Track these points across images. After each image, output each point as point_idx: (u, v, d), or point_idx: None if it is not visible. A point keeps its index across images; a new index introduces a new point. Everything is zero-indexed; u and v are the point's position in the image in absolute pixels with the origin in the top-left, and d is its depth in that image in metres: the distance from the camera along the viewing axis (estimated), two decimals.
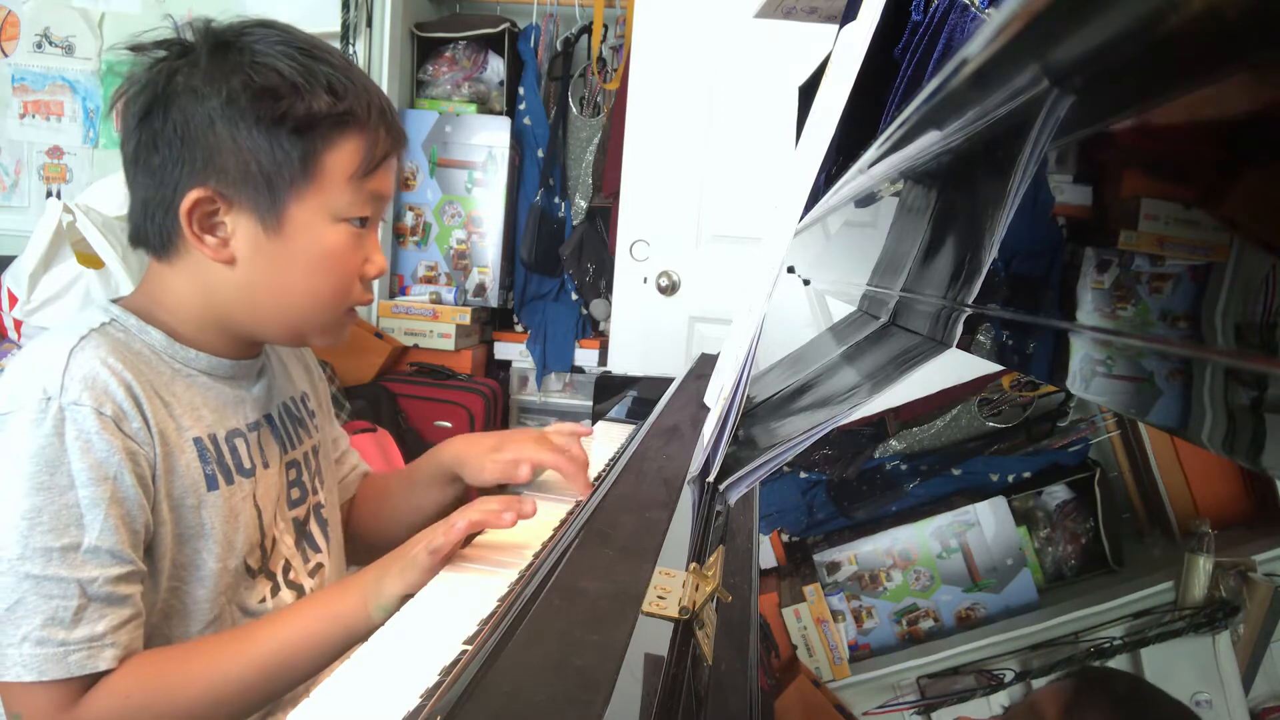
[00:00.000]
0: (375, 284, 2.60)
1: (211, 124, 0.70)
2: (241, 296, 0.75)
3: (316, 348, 0.84)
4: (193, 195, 0.71)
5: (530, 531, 0.80)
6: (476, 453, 0.93)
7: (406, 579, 0.70)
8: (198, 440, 0.74)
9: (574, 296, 2.77)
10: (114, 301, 0.77)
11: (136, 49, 0.73)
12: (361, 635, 0.68)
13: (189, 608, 0.74)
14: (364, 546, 1.00)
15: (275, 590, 0.81)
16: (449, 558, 0.72)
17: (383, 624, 0.66)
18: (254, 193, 0.72)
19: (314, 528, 0.88)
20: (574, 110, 2.74)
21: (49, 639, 0.62)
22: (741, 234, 2.30)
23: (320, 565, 0.88)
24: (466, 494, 0.98)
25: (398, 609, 0.67)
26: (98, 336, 0.71)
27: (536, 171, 2.73)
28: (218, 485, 0.75)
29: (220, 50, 0.71)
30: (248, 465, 0.79)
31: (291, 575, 0.83)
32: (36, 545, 0.63)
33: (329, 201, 0.73)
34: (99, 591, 0.64)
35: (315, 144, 0.72)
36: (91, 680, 0.64)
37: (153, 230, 0.75)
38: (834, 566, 1.41)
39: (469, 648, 0.51)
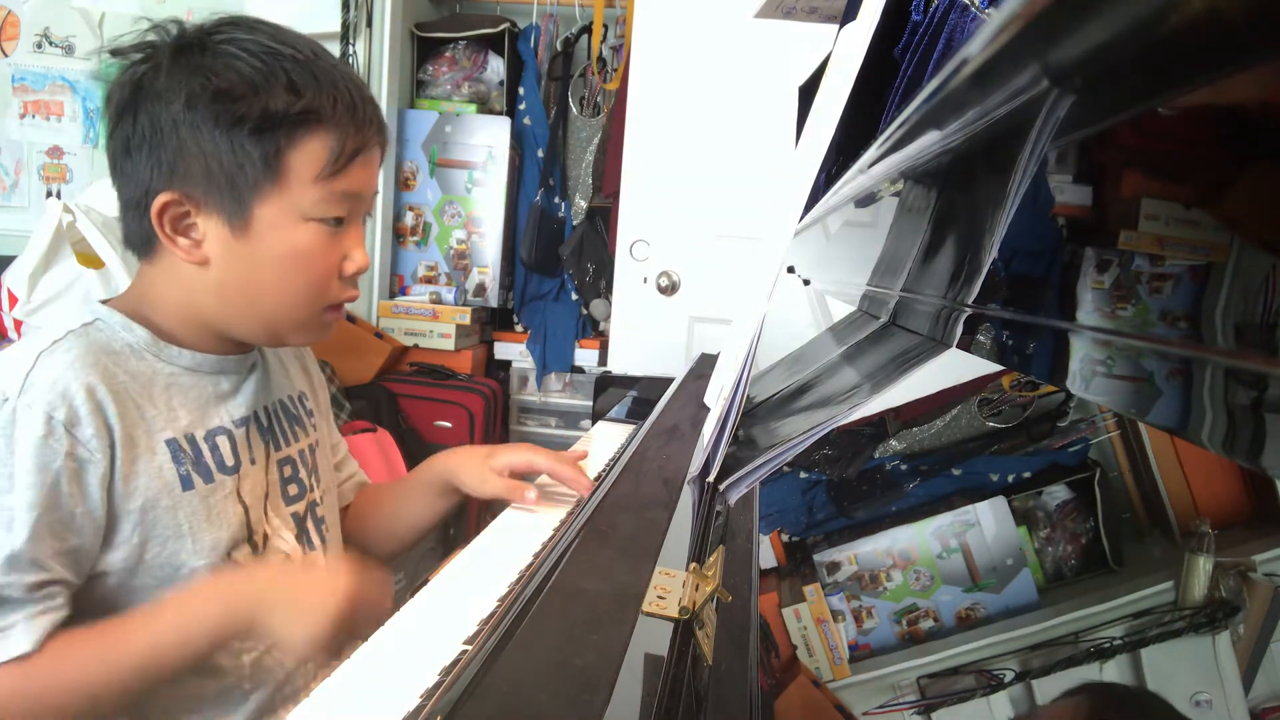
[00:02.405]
0: (373, 282, 2.60)
1: (175, 127, 0.70)
2: (216, 297, 0.76)
3: (299, 345, 0.83)
4: (161, 198, 0.71)
5: (530, 531, 0.80)
6: (475, 462, 0.93)
7: (298, 634, 0.67)
8: (171, 442, 0.74)
9: (574, 296, 2.77)
10: (104, 301, 0.78)
11: (116, 53, 0.73)
12: (236, 636, 0.70)
13: None
14: (355, 554, 1.00)
15: None
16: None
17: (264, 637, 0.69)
18: (219, 195, 0.72)
19: (310, 525, 0.88)
20: (574, 110, 2.74)
21: None
22: (741, 234, 2.30)
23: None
24: (462, 504, 0.98)
25: (280, 639, 0.68)
26: (74, 338, 0.71)
27: (536, 171, 2.73)
28: (193, 485, 0.75)
29: (184, 52, 0.71)
30: (230, 463, 0.78)
31: None
32: None
33: (295, 201, 0.73)
34: (11, 595, 0.65)
35: (277, 143, 0.71)
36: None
37: (134, 232, 0.76)
38: (834, 566, 1.41)
39: (469, 648, 0.51)
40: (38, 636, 0.65)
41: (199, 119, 0.70)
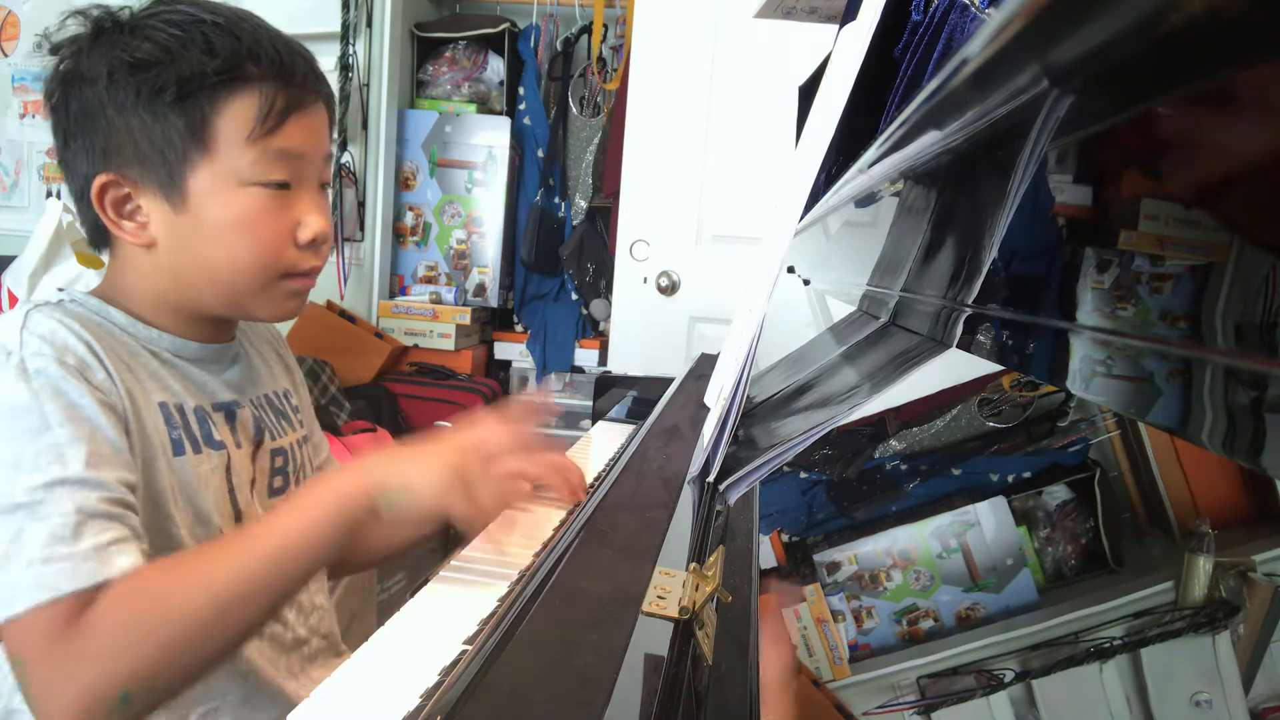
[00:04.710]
0: (373, 282, 2.60)
1: (102, 107, 0.70)
2: (172, 277, 0.75)
3: (268, 319, 0.82)
4: (98, 182, 0.71)
5: (530, 531, 0.79)
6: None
7: (431, 499, 0.66)
8: (163, 405, 0.73)
9: (574, 296, 2.77)
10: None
11: (55, 49, 0.73)
12: (364, 517, 0.65)
13: None
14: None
15: None
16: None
17: (386, 514, 0.65)
18: (153, 171, 0.71)
19: None
20: (574, 110, 2.74)
21: (54, 556, 0.59)
22: (741, 234, 2.30)
23: None
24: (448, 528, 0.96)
25: (405, 513, 0.65)
26: (54, 307, 0.71)
27: (536, 171, 2.73)
28: (184, 451, 0.73)
29: (104, 33, 0.71)
30: (218, 439, 0.77)
31: None
32: (23, 485, 0.61)
33: (228, 166, 0.71)
34: (95, 508, 0.62)
35: (201, 109, 0.70)
36: (91, 599, 0.60)
37: (89, 226, 0.75)
38: (834, 566, 1.41)
39: (469, 648, 0.51)
40: (138, 550, 0.63)
41: (121, 95, 0.69)
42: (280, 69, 0.72)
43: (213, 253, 0.73)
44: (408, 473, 0.67)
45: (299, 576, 0.66)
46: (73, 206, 0.77)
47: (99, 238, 0.76)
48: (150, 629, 0.60)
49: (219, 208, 0.72)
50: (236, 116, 0.71)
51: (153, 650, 0.60)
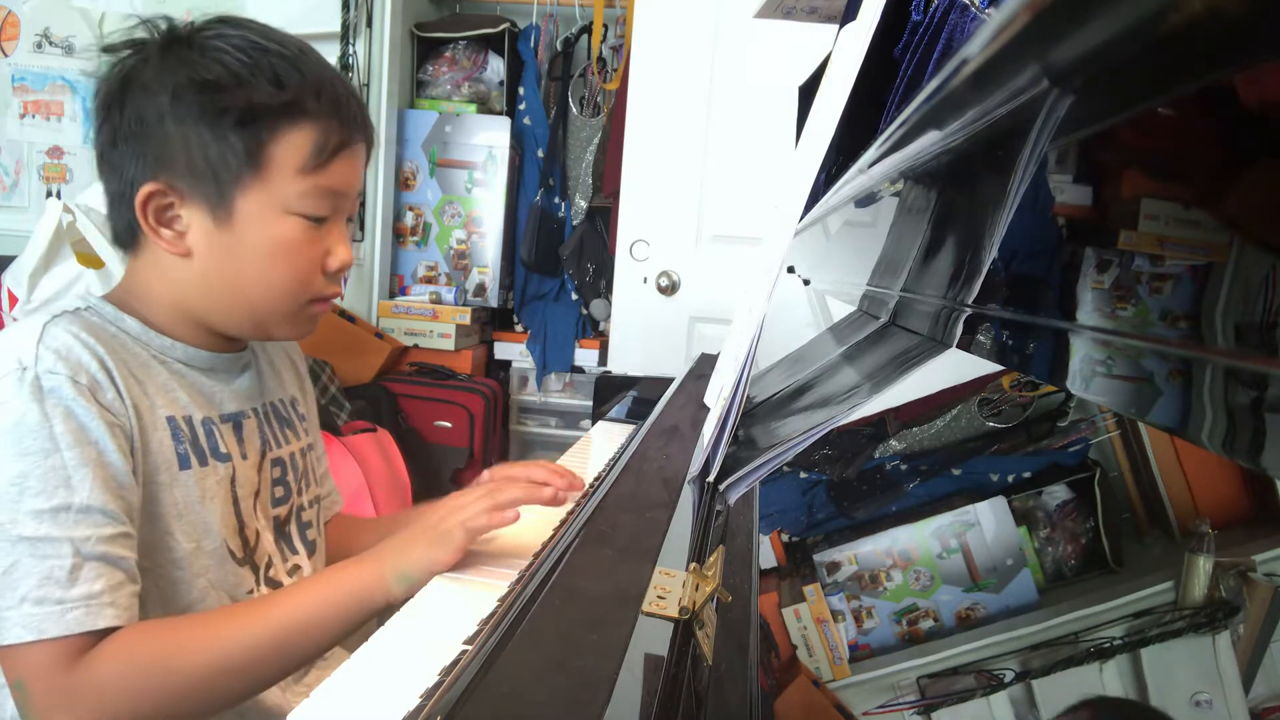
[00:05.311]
0: (373, 282, 2.60)
1: (161, 119, 0.71)
2: (201, 288, 0.76)
3: (285, 338, 0.84)
4: (145, 189, 0.72)
5: (530, 532, 0.80)
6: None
7: (434, 554, 0.70)
8: (171, 419, 0.74)
9: (574, 296, 2.77)
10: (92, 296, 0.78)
11: (108, 49, 0.75)
12: (379, 605, 0.69)
13: (165, 591, 0.73)
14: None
15: (258, 584, 0.81)
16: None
17: (402, 597, 0.67)
18: (203, 186, 0.73)
19: (293, 529, 0.87)
20: (574, 110, 2.74)
21: (47, 598, 0.62)
22: (741, 234, 2.30)
23: (298, 567, 0.86)
24: None
25: (423, 583, 0.68)
26: (71, 317, 0.72)
27: (536, 171, 2.73)
28: (190, 465, 0.75)
29: (171, 47, 0.73)
30: (224, 450, 0.78)
31: (271, 572, 0.82)
32: (26, 509, 0.63)
33: (278, 193, 0.74)
34: (93, 550, 0.64)
35: (260, 135, 0.72)
36: (93, 641, 0.63)
37: (119, 226, 0.77)
38: (834, 566, 1.41)
39: (469, 648, 0.51)
40: (129, 597, 0.65)
41: (184, 110, 0.71)
42: (337, 107, 0.75)
43: (249, 272, 0.75)
44: (422, 554, 0.70)
45: (305, 653, 0.69)
46: (103, 204, 0.79)
47: (127, 239, 0.77)
48: (152, 678, 0.63)
49: (261, 230, 0.74)
50: (293, 147, 0.73)
51: (150, 699, 0.63)
